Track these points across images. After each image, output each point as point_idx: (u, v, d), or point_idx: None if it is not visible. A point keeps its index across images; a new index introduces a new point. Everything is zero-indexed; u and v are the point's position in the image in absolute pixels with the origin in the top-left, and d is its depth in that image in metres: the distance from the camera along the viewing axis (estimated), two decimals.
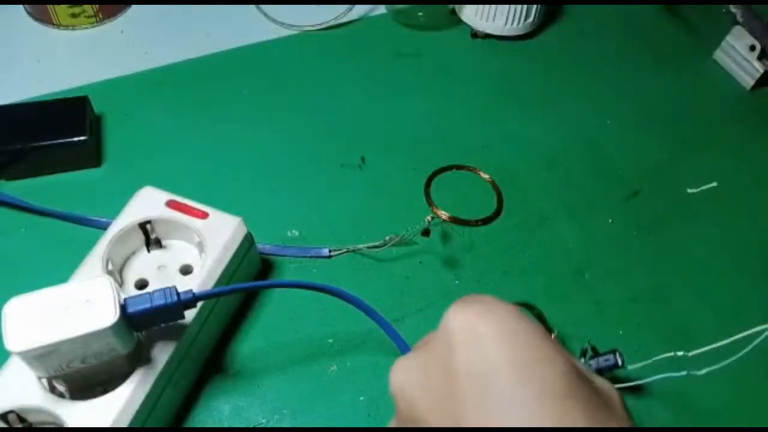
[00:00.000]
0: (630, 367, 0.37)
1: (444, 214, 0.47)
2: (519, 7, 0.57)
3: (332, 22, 0.59)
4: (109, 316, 0.30)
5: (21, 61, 0.56)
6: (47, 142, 0.46)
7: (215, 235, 0.39)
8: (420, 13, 0.61)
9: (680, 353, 0.38)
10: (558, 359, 0.21)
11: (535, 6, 0.58)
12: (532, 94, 0.56)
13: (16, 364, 0.33)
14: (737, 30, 0.57)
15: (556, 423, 0.20)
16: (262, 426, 0.37)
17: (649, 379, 0.37)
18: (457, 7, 0.61)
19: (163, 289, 0.33)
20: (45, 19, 0.58)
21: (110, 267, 0.38)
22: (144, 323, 0.33)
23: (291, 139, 0.51)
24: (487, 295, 0.24)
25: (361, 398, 0.38)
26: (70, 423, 0.32)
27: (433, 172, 0.49)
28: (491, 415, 0.20)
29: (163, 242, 0.41)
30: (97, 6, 0.57)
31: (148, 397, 0.33)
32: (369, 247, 0.44)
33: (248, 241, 0.40)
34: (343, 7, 0.59)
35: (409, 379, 0.23)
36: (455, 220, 0.47)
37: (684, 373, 0.36)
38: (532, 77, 0.58)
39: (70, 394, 0.34)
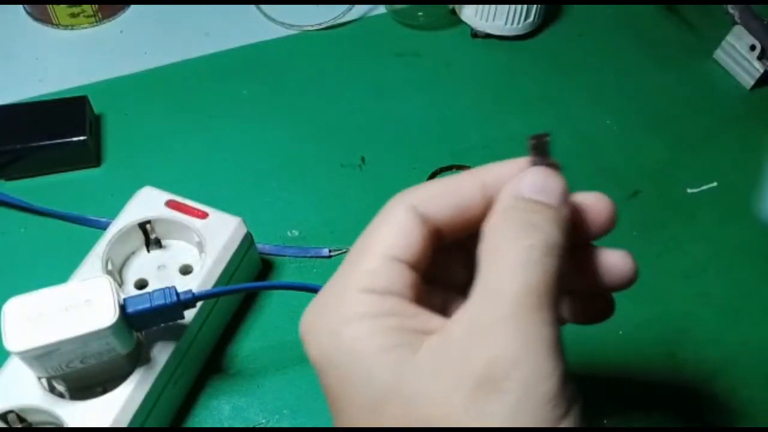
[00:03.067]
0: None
1: None
2: (519, 7, 0.57)
3: (332, 22, 0.59)
4: (109, 316, 0.30)
5: (20, 61, 0.56)
6: (47, 142, 0.46)
7: (215, 235, 0.39)
8: (420, 13, 0.61)
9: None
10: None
11: (535, 6, 0.58)
12: (532, 94, 0.56)
13: (15, 364, 0.33)
14: (737, 29, 0.57)
15: None
16: (262, 426, 0.37)
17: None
18: (457, 7, 0.61)
19: (163, 289, 0.33)
20: (44, 19, 0.58)
21: (110, 267, 0.38)
22: (143, 323, 0.33)
23: (291, 139, 0.51)
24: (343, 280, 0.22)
25: None
26: (70, 423, 0.32)
27: (433, 172, 0.49)
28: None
29: (163, 242, 0.41)
30: (96, 6, 0.57)
31: (147, 397, 0.33)
32: None
33: (248, 241, 0.40)
34: (343, 7, 0.59)
35: None
36: None
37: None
38: (532, 77, 0.58)
39: (70, 394, 0.34)
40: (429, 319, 0.21)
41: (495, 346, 0.19)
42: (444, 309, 0.25)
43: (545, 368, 0.19)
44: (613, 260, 0.25)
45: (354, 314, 0.21)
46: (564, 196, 0.22)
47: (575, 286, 0.25)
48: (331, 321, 0.21)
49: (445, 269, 0.25)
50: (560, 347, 0.20)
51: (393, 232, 0.22)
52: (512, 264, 0.20)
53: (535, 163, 0.23)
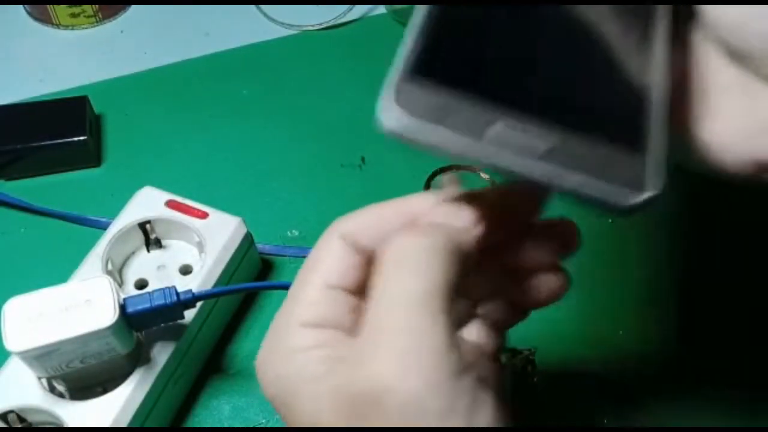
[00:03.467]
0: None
1: None
2: None
3: (332, 22, 0.59)
4: (109, 316, 0.30)
5: (21, 61, 0.56)
6: (47, 142, 0.46)
7: (215, 235, 0.39)
8: None
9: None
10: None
11: None
12: None
13: (15, 364, 0.33)
14: None
15: None
16: (262, 426, 0.37)
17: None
18: None
19: (163, 289, 0.33)
20: (45, 19, 0.58)
21: (110, 267, 0.38)
22: (143, 323, 0.33)
23: (291, 139, 0.51)
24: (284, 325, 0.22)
25: None
26: (70, 423, 0.32)
27: (433, 172, 0.49)
28: None
29: (163, 242, 0.41)
30: (96, 6, 0.57)
31: (147, 397, 0.33)
32: None
33: (248, 241, 0.40)
34: (343, 7, 0.59)
35: None
36: None
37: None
38: None
39: (70, 394, 0.34)
40: None
41: (372, 365, 0.19)
42: None
43: (428, 383, 0.18)
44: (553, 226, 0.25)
45: (293, 348, 0.21)
46: (472, 223, 0.22)
47: (524, 263, 0.25)
48: (275, 358, 0.22)
49: None
50: (452, 353, 0.19)
51: (329, 262, 0.23)
52: (398, 267, 0.20)
53: (447, 199, 0.23)
